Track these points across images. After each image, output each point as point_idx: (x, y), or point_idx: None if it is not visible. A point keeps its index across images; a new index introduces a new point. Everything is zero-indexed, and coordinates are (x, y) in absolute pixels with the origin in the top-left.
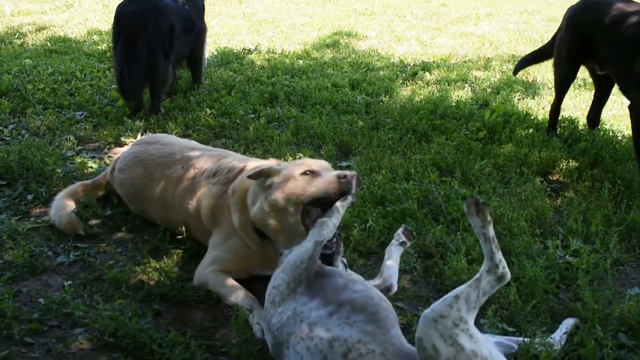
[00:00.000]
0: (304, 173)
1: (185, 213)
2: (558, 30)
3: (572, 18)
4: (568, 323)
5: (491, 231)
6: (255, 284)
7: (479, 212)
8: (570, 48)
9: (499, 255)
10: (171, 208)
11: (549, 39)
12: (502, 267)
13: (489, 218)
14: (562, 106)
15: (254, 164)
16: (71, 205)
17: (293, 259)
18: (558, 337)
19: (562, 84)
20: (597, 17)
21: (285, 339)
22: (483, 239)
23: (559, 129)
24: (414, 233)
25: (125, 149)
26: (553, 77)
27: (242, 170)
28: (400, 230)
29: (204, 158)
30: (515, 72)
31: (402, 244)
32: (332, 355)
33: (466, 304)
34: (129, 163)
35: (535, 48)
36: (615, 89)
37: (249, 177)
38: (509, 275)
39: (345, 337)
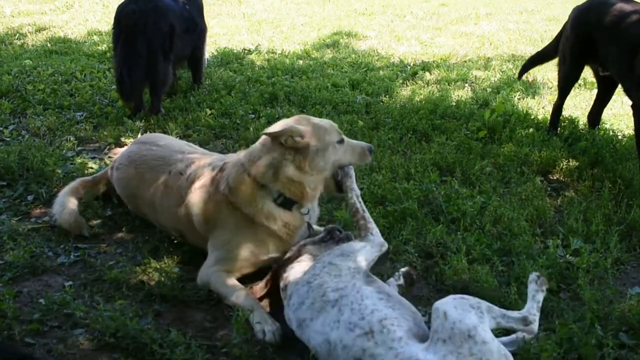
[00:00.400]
0: (340, 141)
1: (177, 220)
2: (562, 30)
3: (578, 18)
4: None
5: (541, 297)
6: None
7: (538, 281)
8: (574, 48)
9: (535, 315)
10: (161, 213)
11: (549, 38)
12: (534, 322)
13: (544, 288)
14: (563, 106)
15: (234, 157)
16: (74, 203)
17: (356, 252)
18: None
19: (566, 84)
20: (601, 17)
21: (335, 298)
22: (532, 298)
23: (559, 129)
24: (415, 277)
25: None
26: (557, 76)
27: (222, 168)
28: (402, 270)
29: (191, 163)
30: (520, 76)
31: (399, 286)
32: (370, 317)
33: (488, 311)
34: (124, 162)
35: (535, 47)
36: (618, 89)
37: (273, 135)
38: (535, 331)
39: (386, 312)
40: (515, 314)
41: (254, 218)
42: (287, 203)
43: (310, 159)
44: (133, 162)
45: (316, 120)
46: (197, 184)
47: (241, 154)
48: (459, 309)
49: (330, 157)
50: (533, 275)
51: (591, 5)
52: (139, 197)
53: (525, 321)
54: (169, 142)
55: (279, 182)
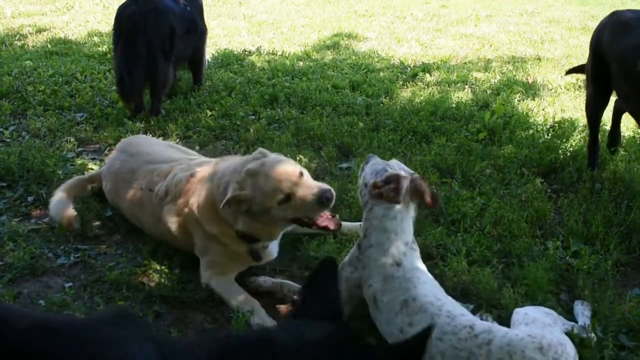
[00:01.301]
0: (281, 202)
1: (159, 233)
2: None
3: (593, 38)
4: (576, 304)
5: (589, 313)
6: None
7: (583, 304)
8: (593, 71)
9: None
10: (144, 225)
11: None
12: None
13: (589, 308)
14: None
15: (197, 171)
16: (70, 199)
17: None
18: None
19: (592, 111)
20: (613, 38)
21: (412, 297)
22: (581, 314)
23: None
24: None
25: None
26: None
27: (187, 182)
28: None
29: (158, 175)
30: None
31: None
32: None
33: (559, 319)
34: (105, 172)
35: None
36: None
37: (224, 207)
38: (594, 337)
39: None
40: (577, 325)
41: (217, 235)
42: (247, 238)
43: (255, 217)
44: (111, 174)
45: (264, 178)
46: (167, 199)
47: (203, 167)
48: (536, 311)
49: (276, 215)
50: (577, 302)
51: (607, 22)
52: (122, 209)
53: (586, 332)
54: (139, 149)
55: (237, 225)
